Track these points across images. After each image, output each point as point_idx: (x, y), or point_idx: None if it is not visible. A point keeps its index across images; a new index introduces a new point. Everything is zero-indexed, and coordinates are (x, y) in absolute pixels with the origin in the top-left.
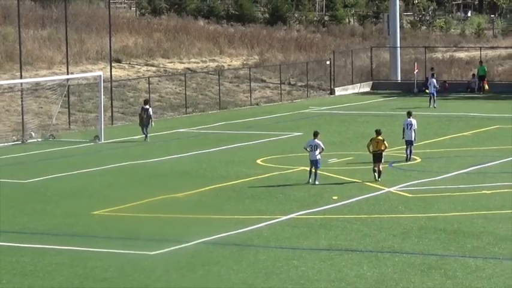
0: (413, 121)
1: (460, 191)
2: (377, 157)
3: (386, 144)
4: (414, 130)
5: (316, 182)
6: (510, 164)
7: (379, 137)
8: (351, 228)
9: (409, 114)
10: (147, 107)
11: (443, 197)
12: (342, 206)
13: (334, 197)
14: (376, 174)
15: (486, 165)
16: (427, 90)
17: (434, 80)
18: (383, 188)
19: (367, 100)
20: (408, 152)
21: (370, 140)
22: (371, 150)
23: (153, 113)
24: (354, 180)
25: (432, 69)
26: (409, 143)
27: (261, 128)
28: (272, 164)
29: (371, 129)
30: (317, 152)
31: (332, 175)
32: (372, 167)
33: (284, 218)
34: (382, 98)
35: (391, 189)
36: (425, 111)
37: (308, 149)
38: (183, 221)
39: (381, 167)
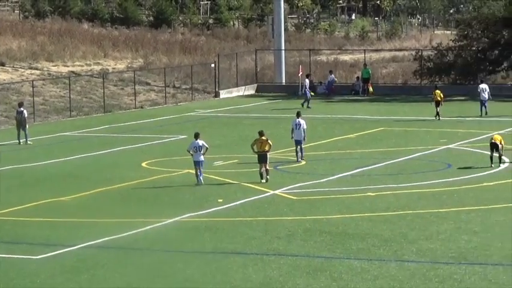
0: (302, 121)
1: (345, 193)
2: (262, 157)
3: (271, 143)
4: (303, 130)
5: (202, 182)
6: (394, 166)
7: (263, 137)
8: (236, 231)
9: (298, 114)
10: (22, 109)
11: (329, 200)
12: (227, 209)
13: (219, 200)
14: (264, 174)
15: (371, 167)
16: (312, 93)
17: (307, 81)
18: (268, 190)
19: (252, 103)
20: (299, 150)
21: (254, 141)
22: (255, 150)
23: (37, 116)
24: (239, 182)
25: (308, 75)
26: (298, 143)
27: (145, 131)
28: (157, 167)
29: (256, 132)
30: (201, 152)
31: (217, 178)
32: (258, 169)
33: (169, 220)
34: (267, 100)
35: (276, 192)
36: (310, 114)
37: (191, 152)
38: (68, 225)
39: (267, 166)
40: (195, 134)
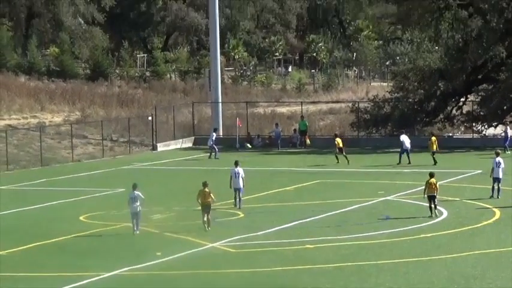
0: (241, 170)
1: (283, 246)
2: (205, 207)
3: (213, 197)
4: (242, 178)
5: (137, 232)
6: (333, 219)
7: (206, 189)
8: (174, 284)
9: (236, 163)
10: None
11: (267, 252)
12: (165, 262)
13: (157, 253)
14: (206, 225)
15: (309, 219)
16: (248, 145)
17: (214, 135)
18: (207, 243)
19: (189, 155)
20: (238, 198)
21: (199, 192)
22: (199, 202)
23: None
24: (178, 235)
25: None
26: (237, 191)
27: (83, 185)
28: (95, 221)
29: (193, 185)
30: (137, 203)
31: (155, 231)
32: (201, 219)
33: (107, 274)
34: (205, 153)
35: (215, 245)
36: (247, 166)
37: (129, 202)
38: (5, 279)
39: (210, 216)
40: (133, 185)
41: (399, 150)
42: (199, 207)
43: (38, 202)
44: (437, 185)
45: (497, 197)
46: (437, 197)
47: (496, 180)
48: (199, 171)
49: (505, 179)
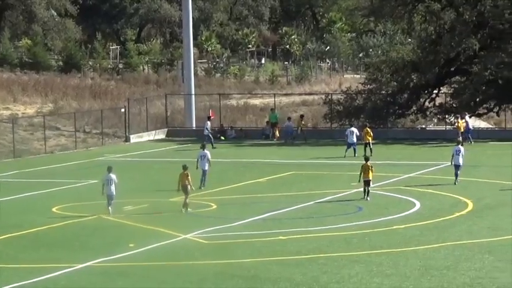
0: (207, 152)
1: (256, 237)
2: (183, 189)
3: (190, 181)
4: (208, 160)
5: (111, 217)
6: (305, 210)
7: (185, 172)
8: (147, 276)
9: (203, 146)
10: None
11: (240, 243)
12: (138, 253)
13: (130, 245)
14: (183, 208)
15: (281, 211)
16: (222, 137)
17: (209, 123)
18: (179, 234)
19: (162, 147)
20: (203, 179)
21: (180, 175)
22: (179, 188)
23: None
24: (150, 227)
25: (209, 118)
26: (204, 172)
27: (56, 176)
28: (68, 212)
29: (166, 176)
30: (112, 186)
31: (128, 223)
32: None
33: (80, 266)
34: (177, 145)
35: (187, 236)
36: (220, 158)
37: (104, 184)
38: None
39: (187, 200)
40: (108, 168)
41: (388, 142)
42: (174, 198)
43: (10, 194)
44: (373, 169)
45: (455, 183)
46: (371, 181)
47: (457, 167)
48: (172, 163)
49: (477, 170)
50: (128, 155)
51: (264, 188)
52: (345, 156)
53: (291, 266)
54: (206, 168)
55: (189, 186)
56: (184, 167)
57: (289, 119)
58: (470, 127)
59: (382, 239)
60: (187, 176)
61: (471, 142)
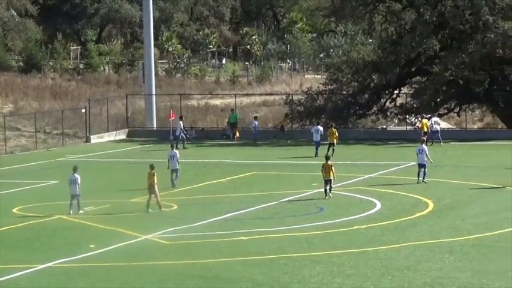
0: (177, 152)
1: (217, 238)
2: (149, 188)
3: (155, 180)
4: (177, 160)
5: (81, 212)
6: (266, 210)
7: (152, 172)
8: (108, 276)
9: (172, 146)
10: None
11: (201, 244)
12: (99, 254)
13: (91, 245)
14: (147, 207)
15: (243, 211)
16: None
17: (181, 123)
18: (140, 235)
19: (122, 148)
20: (174, 178)
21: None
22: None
23: None
24: (111, 227)
25: (181, 117)
26: (175, 171)
27: (16, 177)
28: (29, 213)
29: (127, 176)
30: (77, 185)
31: (89, 223)
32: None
33: (41, 266)
34: (138, 145)
35: (148, 237)
36: (181, 158)
37: (69, 184)
38: None
39: (158, 198)
40: (74, 167)
41: (327, 142)
42: (135, 199)
43: None
44: (334, 169)
45: (423, 181)
46: (333, 180)
47: (421, 166)
48: (133, 164)
49: (438, 170)
50: (89, 156)
51: (225, 188)
52: (316, 156)
53: (252, 266)
54: (177, 167)
55: (155, 186)
56: (151, 167)
57: (255, 118)
58: (438, 128)
59: (343, 239)
60: (154, 175)
61: (441, 143)
